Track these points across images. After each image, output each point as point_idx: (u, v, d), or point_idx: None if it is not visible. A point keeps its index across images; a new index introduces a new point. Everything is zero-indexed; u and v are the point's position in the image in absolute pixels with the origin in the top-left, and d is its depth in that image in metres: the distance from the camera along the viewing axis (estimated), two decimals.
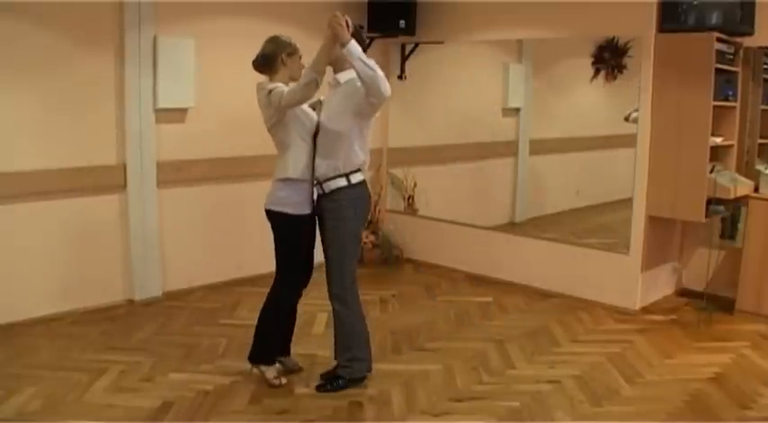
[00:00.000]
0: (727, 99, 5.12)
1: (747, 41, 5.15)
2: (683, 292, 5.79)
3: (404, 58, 6.72)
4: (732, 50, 5.09)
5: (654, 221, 5.31)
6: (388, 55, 6.79)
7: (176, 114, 5.39)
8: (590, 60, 6.27)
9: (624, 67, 6.07)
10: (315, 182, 3.85)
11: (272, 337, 4.02)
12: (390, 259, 6.63)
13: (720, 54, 4.93)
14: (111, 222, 5.18)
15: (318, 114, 3.87)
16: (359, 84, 3.63)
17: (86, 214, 5.03)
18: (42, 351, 4.36)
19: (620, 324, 5.11)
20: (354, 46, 3.56)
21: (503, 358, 4.45)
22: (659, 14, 5.01)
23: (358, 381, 3.98)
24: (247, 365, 4.08)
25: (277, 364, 4.05)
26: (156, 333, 4.76)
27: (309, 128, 3.81)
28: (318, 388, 3.94)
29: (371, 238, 6.59)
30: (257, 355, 4.02)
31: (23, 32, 4.59)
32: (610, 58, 6.17)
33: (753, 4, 4.96)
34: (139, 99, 5.13)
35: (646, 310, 5.38)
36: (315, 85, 3.55)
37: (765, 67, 5.35)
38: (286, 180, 3.79)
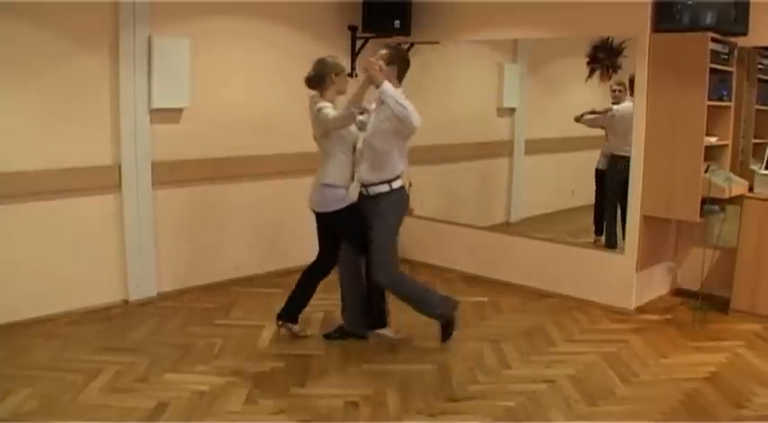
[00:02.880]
0: (721, 99, 5.13)
1: (742, 41, 5.15)
2: (677, 292, 5.80)
3: None
4: (727, 50, 5.10)
5: (649, 221, 5.32)
6: None
7: (171, 114, 5.38)
8: (585, 60, 6.28)
9: (619, 66, 6.07)
10: (361, 184, 4.46)
11: (381, 303, 4.71)
12: None
13: (715, 54, 4.94)
14: (106, 222, 5.17)
15: (366, 120, 4.45)
16: None
17: (81, 214, 5.02)
18: (38, 351, 4.35)
19: (616, 324, 5.12)
20: (387, 87, 4.09)
21: (498, 358, 4.46)
22: (654, 14, 5.02)
23: (454, 309, 4.60)
24: (246, 364, 4.09)
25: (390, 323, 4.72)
26: (151, 333, 4.75)
27: (350, 141, 4.44)
28: (444, 340, 4.59)
29: None
30: (375, 321, 4.69)
31: (18, 32, 4.58)
32: (605, 58, 6.18)
33: (747, 5, 4.96)
34: (134, 99, 5.12)
35: (641, 309, 5.39)
36: (352, 117, 4.24)
37: (760, 67, 5.36)
38: (328, 185, 4.42)
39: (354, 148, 4.45)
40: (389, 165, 4.34)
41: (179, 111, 5.43)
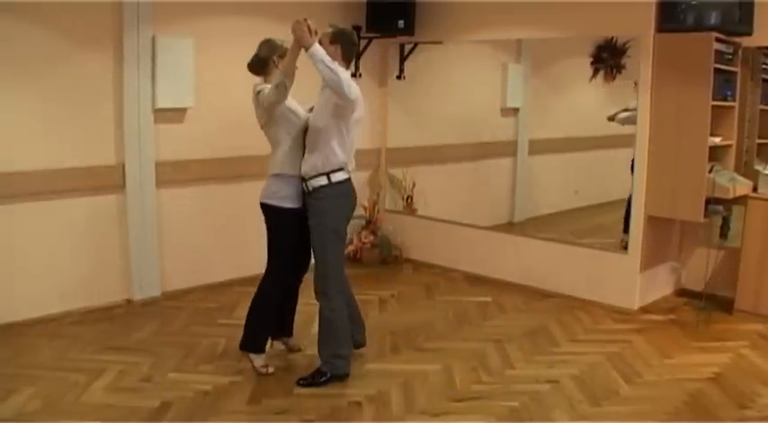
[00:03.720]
0: (725, 99, 5.12)
1: (746, 41, 5.15)
2: (681, 292, 5.79)
3: (403, 58, 6.73)
4: (731, 50, 5.09)
5: (653, 221, 5.31)
6: (386, 55, 6.79)
7: (175, 114, 5.39)
8: (589, 60, 6.27)
9: (623, 66, 6.06)
10: (302, 179, 3.99)
11: (261, 327, 4.17)
12: (389, 259, 6.63)
13: (719, 54, 4.93)
14: (109, 222, 5.17)
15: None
16: None
17: (85, 214, 5.03)
18: (41, 351, 4.36)
19: (619, 324, 5.11)
20: (317, 50, 3.66)
21: (502, 358, 4.45)
22: (658, 14, 5.01)
23: (340, 377, 4.02)
24: (246, 364, 4.11)
25: (265, 354, 4.16)
26: (154, 333, 4.75)
27: (298, 125, 4.00)
28: (300, 381, 4.00)
29: (370, 238, 6.59)
30: (247, 343, 4.16)
31: (22, 32, 4.59)
32: (609, 58, 6.17)
33: (751, 5, 4.95)
34: (138, 99, 5.13)
35: (644, 309, 5.38)
36: (284, 87, 3.75)
37: (764, 66, 5.35)
38: (277, 175, 4.00)
39: (304, 137, 4.01)
40: (327, 152, 3.87)
41: (183, 111, 5.43)
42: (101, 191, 5.08)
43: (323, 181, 3.92)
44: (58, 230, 4.91)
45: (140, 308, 5.24)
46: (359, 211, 6.70)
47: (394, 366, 4.30)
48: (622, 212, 5.76)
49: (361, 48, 6.44)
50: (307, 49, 3.67)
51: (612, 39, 5.96)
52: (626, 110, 6.00)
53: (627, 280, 5.37)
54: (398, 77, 6.77)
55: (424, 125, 6.93)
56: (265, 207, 4.06)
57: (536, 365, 4.36)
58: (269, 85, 3.89)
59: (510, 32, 5.97)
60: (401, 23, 6.14)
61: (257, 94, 3.93)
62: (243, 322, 4.92)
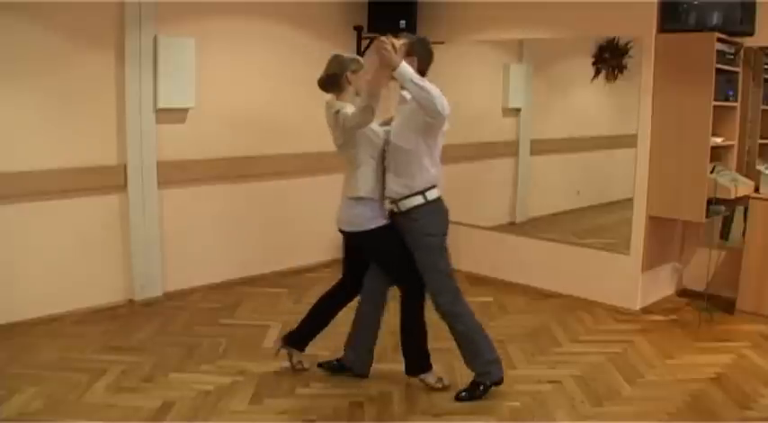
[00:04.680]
0: (727, 99, 5.12)
1: (748, 42, 5.15)
2: (683, 293, 5.79)
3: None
4: (733, 51, 5.09)
5: (654, 221, 5.31)
6: None
7: (177, 114, 5.39)
8: (590, 60, 6.27)
9: (625, 67, 6.06)
10: (389, 200, 3.83)
11: (423, 345, 4.01)
12: None
13: (721, 54, 4.93)
14: (111, 222, 5.18)
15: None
16: None
17: (87, 214, 5.03)
18: (43, 351, 4.36)
19: (621, 324, 5.11)
20: (405, 69, 3.47)
21: (503, 358, 4.40)
22: (660, 15, 5.01)
23: (497, 383, 3.91)
24: (251, 364, 4.12)
25: (433, 369, 4.03)
26: (156, 333, 4.76)
27: (378, 144, 3.81)
28: (458, 397, 3.87)
29: None
30: (413, 367, 4.03)
31: (24, 32, 4.59)
32: (610, 59, 6.16)
33: (753, 5, 4.95)
34: (140, 99, 5.13)
35: (646, 310, 5.38)
36: (371, 111, 3.55)
37: (766, 67, 5.34)
38: (360, 199, 3.79)
39: (382, 157, 3.84)
40: (419, 171, 3.73)
41: (184, 111, 5.43)
42: (103, 191, 5.09)
43: (419, 200, 3.76)
44: (59, 230, 4.91)
45: (142, 308, 5.24)
46: None
47: (395, 366, 4.28)
48: (626, 213, 5.77)
49: (362, 48, 6.44)
50: (394, 69, 3.46)
51: (614, 39, 5.96)
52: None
53: (629, 280, 5.37)
54: None
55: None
56: (355, 235, 3.87)
57: (538, 366, 4.36)
58: (347, 105, 3.73)
59: (512, 33, 5.97)
60: (403, 23, 6.13)
61: (336, 113, 3.71)
62: (244, 322, 4.96)
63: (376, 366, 4.23)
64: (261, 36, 5.88)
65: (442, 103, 3.51)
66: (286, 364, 4.23)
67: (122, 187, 5.17)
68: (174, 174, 5.41)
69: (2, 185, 4.59)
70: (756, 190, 5.18)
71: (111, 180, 5.10)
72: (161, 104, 5.22)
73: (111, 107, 5.07)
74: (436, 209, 3.82)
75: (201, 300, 5.47)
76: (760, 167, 5.23)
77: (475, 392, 3.87)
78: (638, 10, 5.08)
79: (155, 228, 5.36)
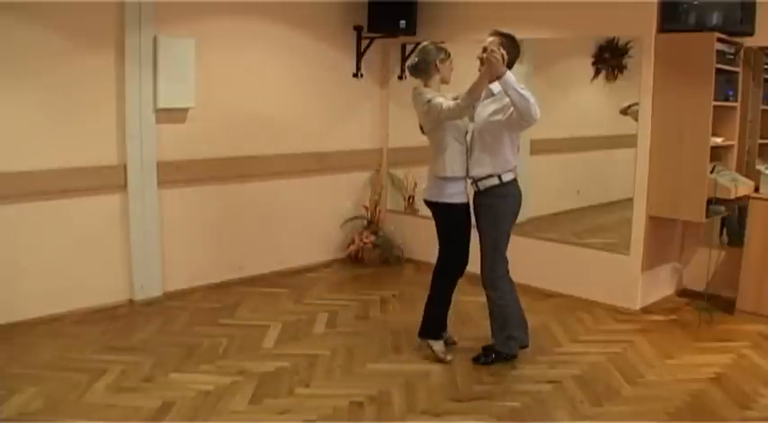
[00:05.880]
0: (727, 99, 5.12)
1: (748, 41, 5.14)
2: (683, 293, 5.79)
3: (404, 58, 6.71)
4: (732, 51, 5.09)
5: (654, 221, 5.31)
6: (388, 55, 6.79)
7: (177, 114, 5.39)
8: (590, 60, 6.27)
9: (625, 67, 6.06)
10: (471, 180, 4.26)
11: (440, 314, 4.42)
12: (391, 259, 6.63)
13: (721, 54, 4.93)
14: (111, 222, 5.18)
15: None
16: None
17: (87, 214, 5.03)
18: (43, 351, 4.36)
19: (621, 324, 5.11)
20: (509, 78, 3.82)
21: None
22: (660, 14, 5.01)
23: (508, 357, 4.34)
24: (251, 364, 4.09)
25: (443, 340, 4.45)
26: (156, 333, 4.76)
27: (463, 129, 4.22)
28: (475, 359, 4.34)
29: (372, 238, 6.59)
30: (426, 330, 4.43)
31: (24, 32, 4.59)
32: (610, 58, 6.17)
33: (753, 5, 4.95)
34: (140, 99, 5.13)
35: (646, 310, 5.38)
36: (471, 108, 4.06)
37: (766, 67, 5.34)
38: (446, 178, 4.21)
39: (466, 136, 4.24)
40: (500, 158, 4.14)
41: (184, 111, 5.43)
42: (103, 191, 5.09)
43: (495, 181, 4.17)
44: (59, 230, 4.91)
45: (142, 308, 5.24)
46: (360, 212, 6.72)
47: (395, 366, 4.30)
48: (626, 213, 5.77)
49: (362, 48, 6.45)
50: (500, 78, 3.83)
51: (614, 39, 5.96)
52: (638, 103, 5.95)
53: (628, 280, 5.37)
54: (400, 78, 6.77)
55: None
56: (437, 205, 4.28)
57: (538, 366, 4.36)
58: (437, 95, 4.10)
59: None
60: (403, 23, 6.14)
61: (427, 102, 4.07)
62: (244, 322, 4.95)
63: (376, 366, 4.24)
64: (261, 36, 5.88)
65: (536, 109, 3.85)
66: (285, 364, 4.24)
67: (122, 187, 5.17)
68: (173, 174, 5.41)
69: (2, 185, 4.59)
70: (756, 190, 5.18)
71: (111, 180, 5.10)
72: (161, 104, 5.22)
73: (111, 107, 5.07)
74: (510, 191, 4.24)
75: (201, 300, 5.47)
76: (760, 167, 5.23)
77: (487, 358, 4.34)
78: (638, 10, 5.08)
79: (155, 228, 5.36)
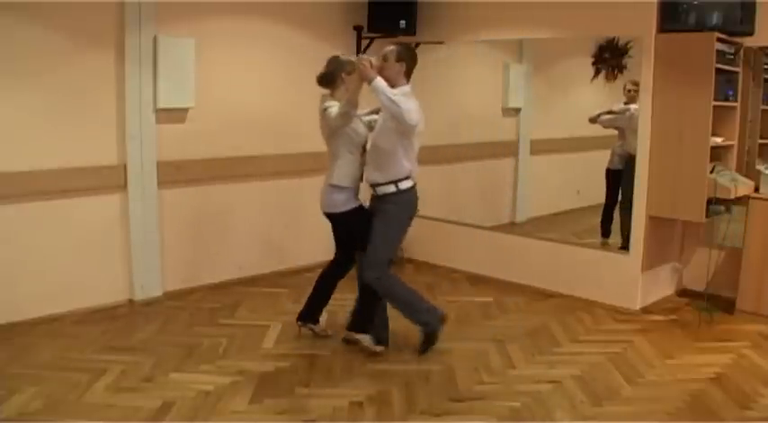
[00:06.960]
0: (727, 99, 5.12)
1: (748, 41, 5.14)
2: (683, 292, 5.79)
3: None
4: (732, 50, 5.09)
5: (654, 221, 5.31)
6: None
7: (177, 114, 5.39)
8: (590, 60, 6.27)
9: (624, 67, 6.07)
10: (370, 185, 4.41)
11: (371, 310, 4.50)
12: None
13: (721, 54, 4.93)
14: (111, 222, 5.18)
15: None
16: None
17: (87, 214, 5.03)
18: (43, 351, 4.36)
19: (621, 324, 5.11)
20: (378, 83, 4.07)
21: (503, 358, 4.45)
22: (659, 14, 5.01)
23: (439, 324, 4.50)
24: (251, 364, 4.12)
25: (371, 337, 4.52)
26: (156, 333, 4.76)
27: (357, 142, 4.36)
28: (422, 352, 4.46)
29: None
30: (357, 325, 4.55)
31: (24, 32, 4.59)
32: (610, 58, 6.17)
33: (753, 5, 4.95)
34: (140, 99, 5.13)
35: (646, 310, 5.38)
36: (349, 116, 4.17)
37: (766, 67, 5.35)
38: (335, 186, 4.37)
39: (364, 149, 4.40)
40: (395, 164, 4.28)
41: (184, 111, 5.43)
42: (102, 191, 5.09)
43: (391, 188, 4.32)
44: (60, 230, 4.91)
45: (142, 308, 5.24)
46: None
47: (395, 366, 4.30)
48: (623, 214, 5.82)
49: (362, 48, 6.44)
50: (369, 83, 4.06)
51: (614, 39, 5.97)
52: (610, 112, 6.02)
53: (628, 280, 5.37)
54: None
55: (425, 125, 6.91)
56: (336, 216, 4.44)
57: (538, 366, 4.36)
58: (335, 103, 4.25)
59: (511, 32, 5.97)
60: (403, 24, 6.14)
61: (324, 110, 4.28)
62: (244, 322, 4.97)
63: (375, 366, 4.24)
64: (261, 36, 5.88)
65: (410, 115, 4.10)
66: (285, 364, 4.25)
67: (122, 187, 5.17)
68: (173, 174, 5.41)
69: (2, 185, 4.59)
70: (756, 190, 5.18)
71: (111, 180, 5.10)
72: (161, 104, 5.22)
73: (112, 107, 5.07)
74: (406, 198, 4.38)
75: (201, 300, 5.47)
76: (760, 167, 5.24)
77: (430, 342, 4.48)
78: (638, 10, 5.08)
79: (154, 228, 5.36)
